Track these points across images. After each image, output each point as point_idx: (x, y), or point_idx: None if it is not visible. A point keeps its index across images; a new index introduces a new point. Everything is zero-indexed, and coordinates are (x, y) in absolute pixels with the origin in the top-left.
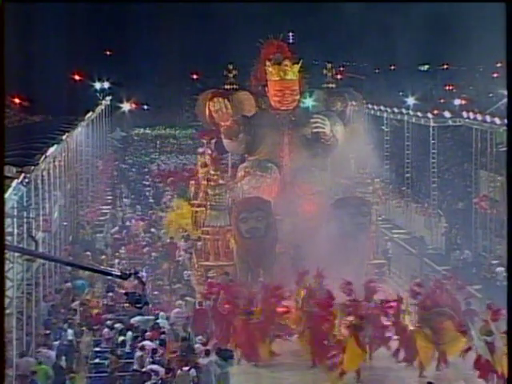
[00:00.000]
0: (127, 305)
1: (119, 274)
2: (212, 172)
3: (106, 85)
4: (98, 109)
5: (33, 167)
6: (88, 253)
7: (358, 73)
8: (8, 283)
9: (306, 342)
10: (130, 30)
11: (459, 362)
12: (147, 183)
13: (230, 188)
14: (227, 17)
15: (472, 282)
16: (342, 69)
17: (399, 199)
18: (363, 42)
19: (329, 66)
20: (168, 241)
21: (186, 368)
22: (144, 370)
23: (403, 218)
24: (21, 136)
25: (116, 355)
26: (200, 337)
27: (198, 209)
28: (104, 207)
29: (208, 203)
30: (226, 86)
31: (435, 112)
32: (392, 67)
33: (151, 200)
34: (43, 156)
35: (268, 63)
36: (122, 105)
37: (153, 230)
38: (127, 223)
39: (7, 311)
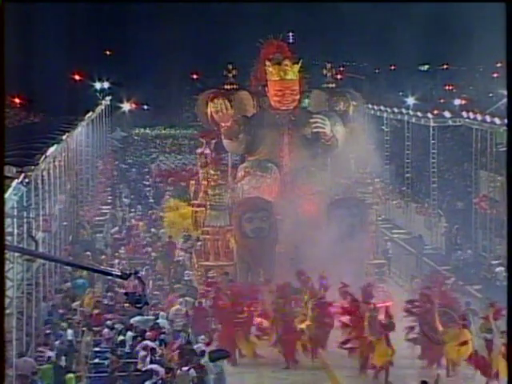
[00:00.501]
0: (127, 305)
1: (119, 273)
2: (212, 172)
3: (106, 85)
4: (98, 109)
5: (33, 167)
6: (88, 253)
7: (358, 73)
8: (8, 283)
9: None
10: (130, 30)
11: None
12: (147, 183)
13: (230, 188)
14: (227, 17)
15: (472, 281)
16: (342, 69)
17: (399, 199)
18: (363, 42)
19: (329, 66)
20: (167, 240)
21: (186, 368)
22: (144, 369)
23: (403, 218)
24: (21, 136)
25: (116, 355)
26: (203, 336)
27: (197, 209)
28: (104, 207)
29: (208, 203)
30: (226, 86)
31: (435, 112)
32: (392, 67)
33: (151, 200)
34: (43, 156)
35: (268, 63)
36: (122, 105)
37: (153, 229)
38: (127, 223)
39: (7, 311)
